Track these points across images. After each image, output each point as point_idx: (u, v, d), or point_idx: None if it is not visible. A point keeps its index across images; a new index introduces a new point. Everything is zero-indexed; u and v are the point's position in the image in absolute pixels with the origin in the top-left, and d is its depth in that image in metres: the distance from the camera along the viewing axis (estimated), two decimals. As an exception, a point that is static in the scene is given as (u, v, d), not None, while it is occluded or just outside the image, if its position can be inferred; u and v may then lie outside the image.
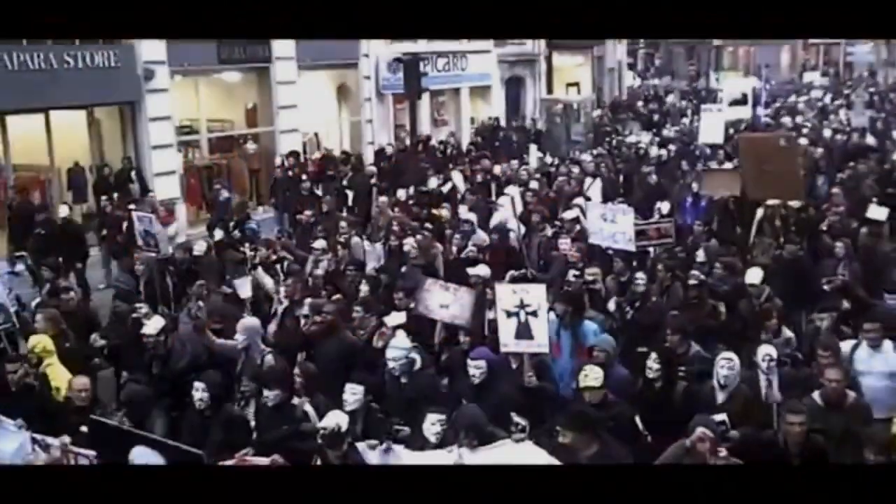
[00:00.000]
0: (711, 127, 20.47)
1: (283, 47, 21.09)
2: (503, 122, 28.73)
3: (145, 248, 11.35)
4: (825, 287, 9.87)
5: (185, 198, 19.51)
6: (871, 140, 21.95)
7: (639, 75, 47.47)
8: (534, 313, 7.43)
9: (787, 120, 26.91)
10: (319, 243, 11.94)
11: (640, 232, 10.97)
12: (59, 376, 7.90)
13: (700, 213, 14.16)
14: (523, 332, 7.50)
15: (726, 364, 7.19)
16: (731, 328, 9.12)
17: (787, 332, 8.50)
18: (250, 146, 21.50)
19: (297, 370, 7.69)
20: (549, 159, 21.30)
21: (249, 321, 8.97)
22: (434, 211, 14.57)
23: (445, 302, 8.91)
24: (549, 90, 32.61)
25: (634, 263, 10.67)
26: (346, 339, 8.69)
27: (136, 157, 18.55)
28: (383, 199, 15.49)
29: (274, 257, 11.73)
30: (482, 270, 10.02)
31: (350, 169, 19.78)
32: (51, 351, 8.17)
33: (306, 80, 22.55)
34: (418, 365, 7.75)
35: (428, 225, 13.28)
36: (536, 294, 7.51)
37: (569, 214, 13.08)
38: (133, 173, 17.96)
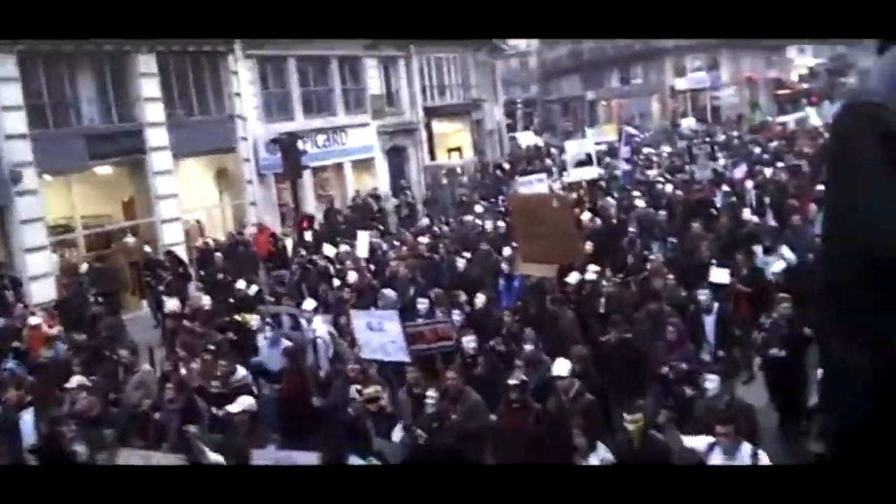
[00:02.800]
0: None
1: (156, 137, 20.96)
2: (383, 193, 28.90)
3: None
4: (667, 373, 9.28)
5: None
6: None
7: (535, 132, 48.28)
8: None
9: (651, 173, 26.46)
10: (75, 380, 9.97)
11: (415, 335, 9.66)
12: None
13: (513, 297, 13.09)
14: None
15: None
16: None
17: (601, 452, 7.21)
18: (129, 239, 21.06)
19: None
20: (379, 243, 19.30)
21: None
22: (238, 317, 13.10)
23: None
24: (432, 157, 33.18)
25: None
26: None
27: (8, 262, 17.97)
28: (173, 302, 14.21)
29: (28, 399, 10.01)
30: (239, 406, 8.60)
31: (168, 272, 18.23)
32: None
33: (184, 168, 22.39)
34: None
35: (228, 336, 11.86)
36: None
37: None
38: (7, 280, 17.38)
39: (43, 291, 17.68)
